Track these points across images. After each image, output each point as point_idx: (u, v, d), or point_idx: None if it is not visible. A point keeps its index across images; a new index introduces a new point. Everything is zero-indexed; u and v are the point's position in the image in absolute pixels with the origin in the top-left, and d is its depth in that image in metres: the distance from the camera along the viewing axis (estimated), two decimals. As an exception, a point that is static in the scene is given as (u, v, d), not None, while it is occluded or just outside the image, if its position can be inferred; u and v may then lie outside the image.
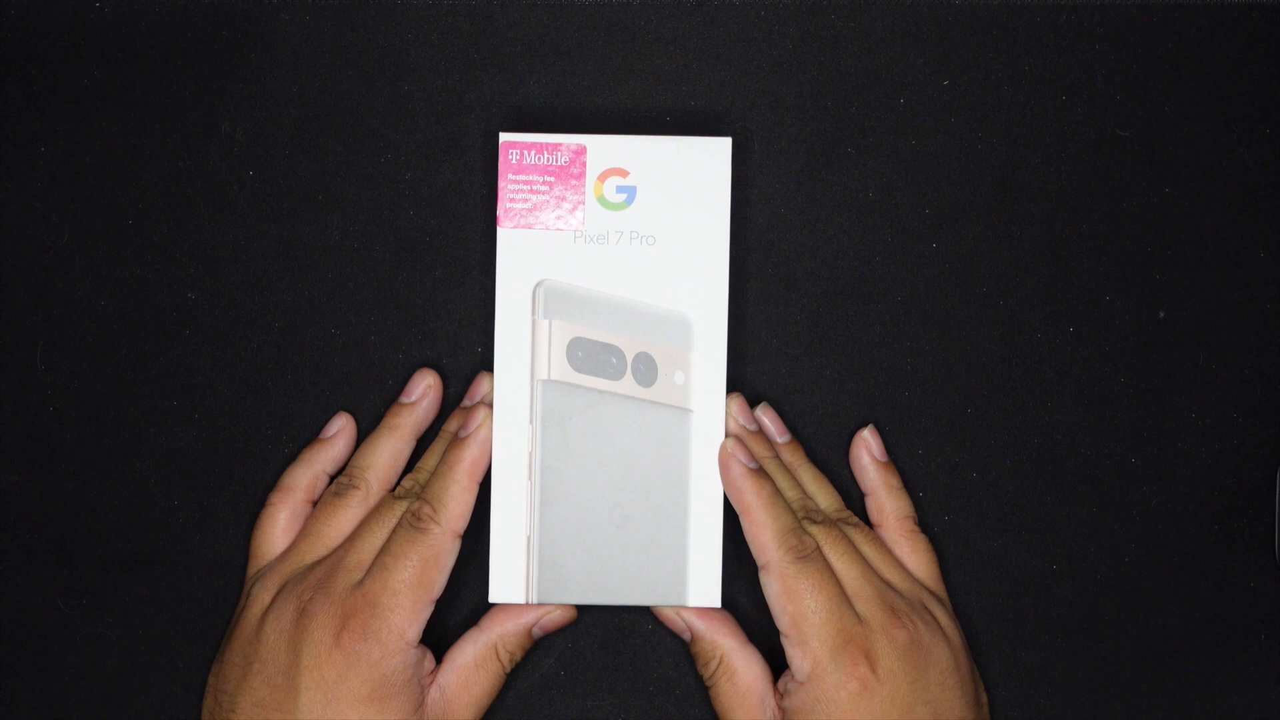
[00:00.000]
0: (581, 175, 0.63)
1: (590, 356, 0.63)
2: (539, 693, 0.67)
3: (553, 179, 0.63)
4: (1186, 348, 0.68)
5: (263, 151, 0.67)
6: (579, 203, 0.63)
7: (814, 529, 0.62)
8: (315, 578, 0.61)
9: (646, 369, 0.63)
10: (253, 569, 0.64)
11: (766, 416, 0.66)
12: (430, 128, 0.67)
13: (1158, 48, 0.68)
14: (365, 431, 0.66)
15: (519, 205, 0.63)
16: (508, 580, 0.63)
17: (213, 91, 0.67)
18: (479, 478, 0.62)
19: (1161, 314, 0.67)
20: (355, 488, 0.64)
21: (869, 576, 0.62)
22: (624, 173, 0.63)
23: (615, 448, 0.63)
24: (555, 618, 0.64)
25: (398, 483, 0.65)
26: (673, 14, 0.67)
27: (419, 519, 0.61)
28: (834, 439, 0.67)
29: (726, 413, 0.64)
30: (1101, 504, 0.67)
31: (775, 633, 0.61)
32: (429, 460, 0.65)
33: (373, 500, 0.64)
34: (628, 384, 0.63)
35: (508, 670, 0.63)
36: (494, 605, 0.64)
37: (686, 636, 0.64)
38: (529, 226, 0.63)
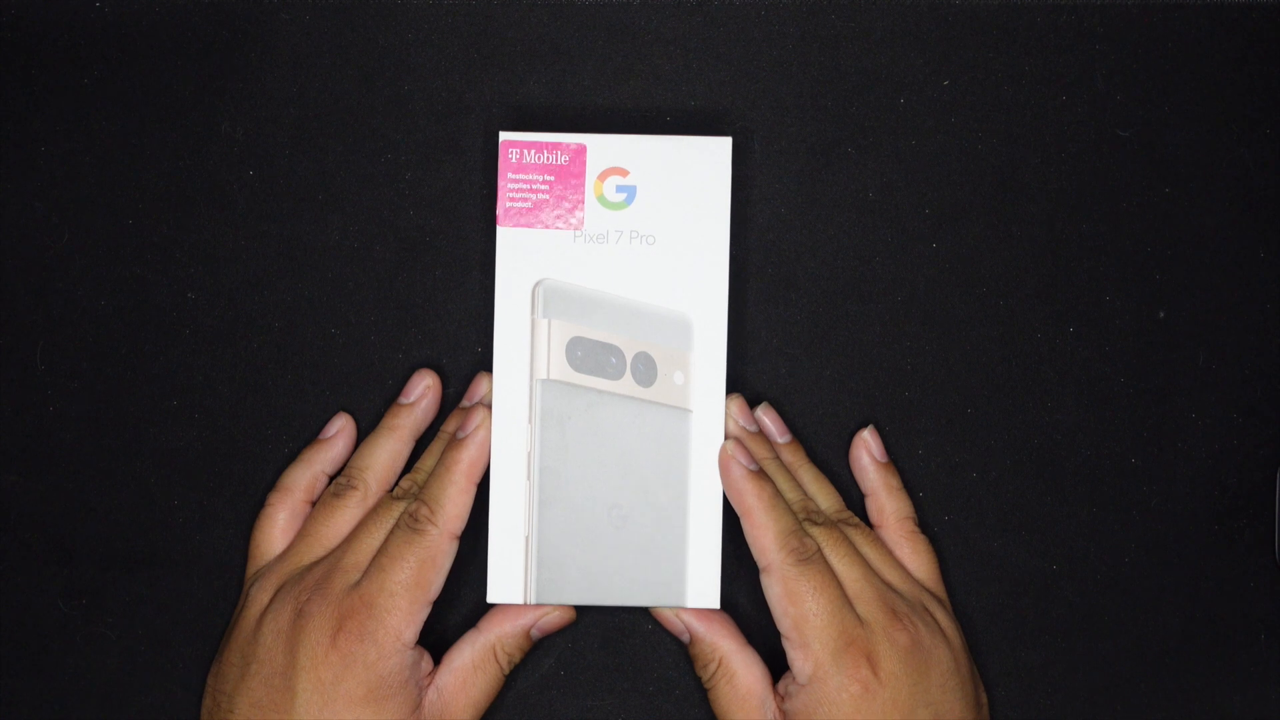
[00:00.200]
0: (581, 175, 0.63)
1: (590, 356, 0.62)
2: (539, 693, 0.66)
3: (553, 178, 0.63)
4: (1186, 348, 0.67)
5: (263, 151, 0.67)
6: (579, 202, 0.63)
7: (815, 531, 0.62)
8: (313, 578, 0.61)
9: (646, 369, 0.63)
10: (251, 569, 0.64)
11: (767, 416, 0.66)
12: (430, 128, 0.67)
13: (1158, 48, 0.67)
14: (365, 432, 0.66)
15: (519, 204, 0.63)
16: (506, 580, 0.62)
17: (213, 91, 0.67)
18: (477, 479, 0.62)
19: (1161, 314, 0.67)
20: (353, 488, 0.64)
21: (870, 578, 0.62)
22: (624, 172, 0.63)
23: (614, 448, 0.62)
24: (554, 619, 0.63)
25: (396, 483, 0.64)
26: (673, 14, 0.67)
27: (416, 520, 0.61)
28: (834, 439, 0.67)
29: (726, 413, 0.64)
30: (1101, 504, 0.67)
31: (774, 634, 0.61)
32: (427, 461, 0.64)
33: (371, 501, 0.64)
34: (627, 384, 0.63)
35: (506, 672, 0.63)
36: (492, 606, 0.63)
37: (685, 638, 0.63)
38: (529, 226, 0.63)
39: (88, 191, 0.67)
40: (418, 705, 0.61)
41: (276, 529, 0.64)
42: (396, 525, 0.61)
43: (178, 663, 0.66)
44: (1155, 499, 0.67)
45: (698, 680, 0.64)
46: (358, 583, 0.60)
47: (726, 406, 0.64)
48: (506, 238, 0.63)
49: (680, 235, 0.63)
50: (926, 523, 0.67)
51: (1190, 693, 0.67)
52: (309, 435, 0.66)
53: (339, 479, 0.64)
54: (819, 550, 0.61)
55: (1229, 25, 0.67)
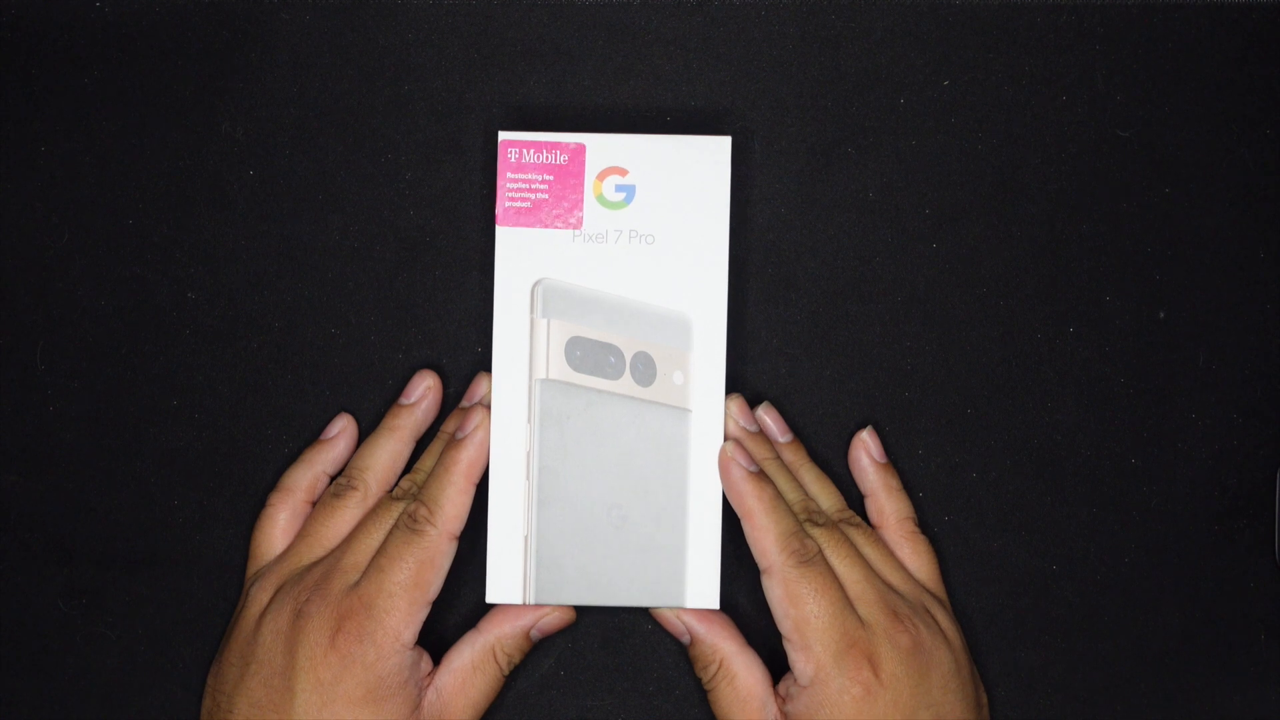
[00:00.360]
0: (581, 174, 0.63)
1: (589, 356, 0.62)
2: (539, 693, 0.66)
3: (552, 178, 0.63)
4: (1186, 348, 0.67)
5: (263, 151, 0.67)
6: (578, 202, 0.63)
7: (816, 532, 0.62)
8: (312, 579, 0.61)
9: (645, 369, 0.62)
10: (252, 569, 0.64)
11: (768, 416, 0.65)
12: (430, 128, 0.67)
13: (1158, 48, 0.67)
14: (366, 432, 0.66)
15: (518, 204, 0.63)
16: (505, 581, 0.62)
17: (213, 91, 0.67)
18: (476, 479, 0.62)
19: (1161, 314, 0.67)
20: (354, 489, 0.63)
21: (871, 579, 0.61)
22: (623, 172, 0.63)
23: (614, 448, 0.62)
24: (553, 620, 0.63)
25: (396, 483, 0.64)
26: (673, 14, 0.67)
27: (415, 521, 0.61)
28: (834, 439, 0.67)
29: (726, 414, 0.64)
30: (1101, 504, 0.67)
31: (774, 634, 0.61)
32: (426, 461, 0.64)
33: (371, 501, 0.63)
34: (626, 384, 0.62)
35: (505, 673, 0.63)
36: (492, 607, 0.63)
37: (685, 639, 0.63)
38: (528, 225, 0.63)
39: (88, 191, 0.67)
40: (417, 706, 0.60)
41: (277, 529, 0.64)
42: (395, 526, 0.61)
43: (178, 663, 0.66)
44: (1155, 499, 0.67)
45: (697, 680, 0.64)
46: (357, 583, 0.60)
47: (726, 406, 0.64)
48: (506, 237, 0.62)
49: (680, 235, 0.62)
50: (926, 523, 0.67)
51: (1190, 693, 0.67)
52: (309, 435, 0.66)
53: (339, 479, 0.64)
54: (820, 552, 0.61)
55: (1229, 25, 0.67)
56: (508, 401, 0.62)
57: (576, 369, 0.62)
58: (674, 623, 0.63)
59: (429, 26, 0.67)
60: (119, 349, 0.66)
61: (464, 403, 0.65)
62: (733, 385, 0.66)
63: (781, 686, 0.61)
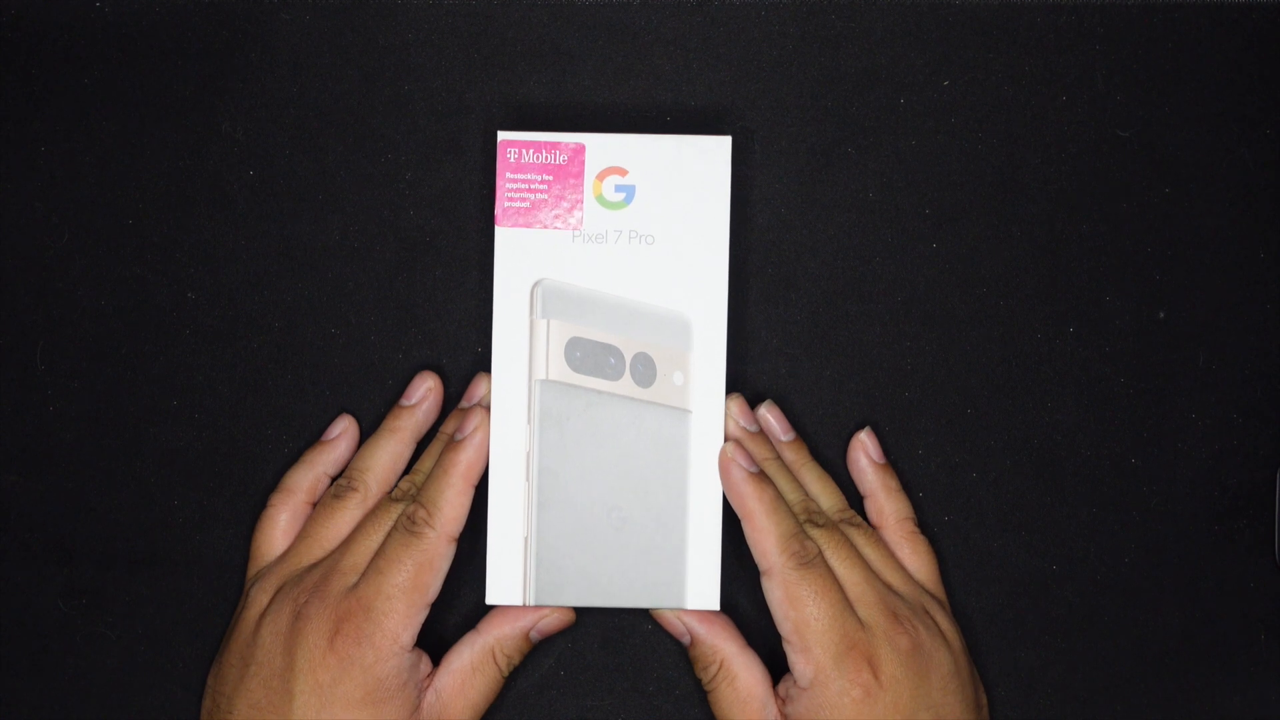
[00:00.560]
0: (580, 174, 0.62)
1: (588, 356, 0.62)
2: (539, 693, 0.66)
3: (551, 178, 0.62)
4: (1186, 348, 0.67)
5: (263, 151, 0.66)
6: (577, 202, 0.62)
7: (816, 533, 0.61)
8: (311, 580, 0.61)
9: (645, 369, 0.62)
10: (252, 570, 0.64)
11: (770, 414, 0.65)
12: (430, 128, 0.66)
13: (1158, 48, 0.67)
14: (367, 433, 0.66)
15: (517, 204, 0.62)
16: (505, 582, 0.62)
17: (213, 91, 0.67)
18: (474, 481, 0.61)
19: (1161, 314, 0.67)
20: (354, 490, 0.63)
21: (871, 581, 0.61)
22: (623, 171, 0.62)
23: (613, 449, 0.62)
24: (553, 621, 0.62)
25: (396, 484, 0.64)
26: (673, 14, 0.67)
27: (414, 523, 0.60)
28: (834, 439, 0.67)
29: (726, 414, 0.63)
30: (1101, 504, 0.67)
31: (774, 635, 0.60)
32: (425, 462, 0.64)
33: (371, 503, 0.63)
34: (626, 384, 0.62)
35: (505, 674, 0.62)
36: (492, 608, 0.63)
37: (685, 640, 0.63)
38: (527, 226, 0.62)
39: (88, 191, 0.66)
40: (416, 707, 0.60)
41: (278, 530, 0.64)
42: (394, 528, 0.61)
43: (178, 663, 0.66)
44: (1155, 499, 0.67)
45: (697, 681, 0.63)
46: (355, 585, 0.60)
47: (727, 406, 0.63)
48: (505, 238, 0.62)
49: (679, 235, 0.62)
50: (926, 523, 0.66)
51: (1190, 693, 0.67)
52: (309, 435, 0.66)
53: (340, 481, 0.64)
54: (820, 553, 0.61)
55: (1229, 25, 0.67)
56: (507, 402, 0.61)
57: (576, 370, 0.61)
58: (674, 624, 0.62)
59: (429, 26, 0.66)
60: (119, 349, 0.66)
61: (463, 403, 0.65)
62: (733, 385, 0.66)
63: (781, 688, 0.61)
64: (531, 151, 0.62)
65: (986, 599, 0.66)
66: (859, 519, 0.64)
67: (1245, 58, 0.67)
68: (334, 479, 0.65)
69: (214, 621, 0.66)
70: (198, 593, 0.66)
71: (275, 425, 0.66)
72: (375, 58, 0.66)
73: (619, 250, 0.62)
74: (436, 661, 0.62)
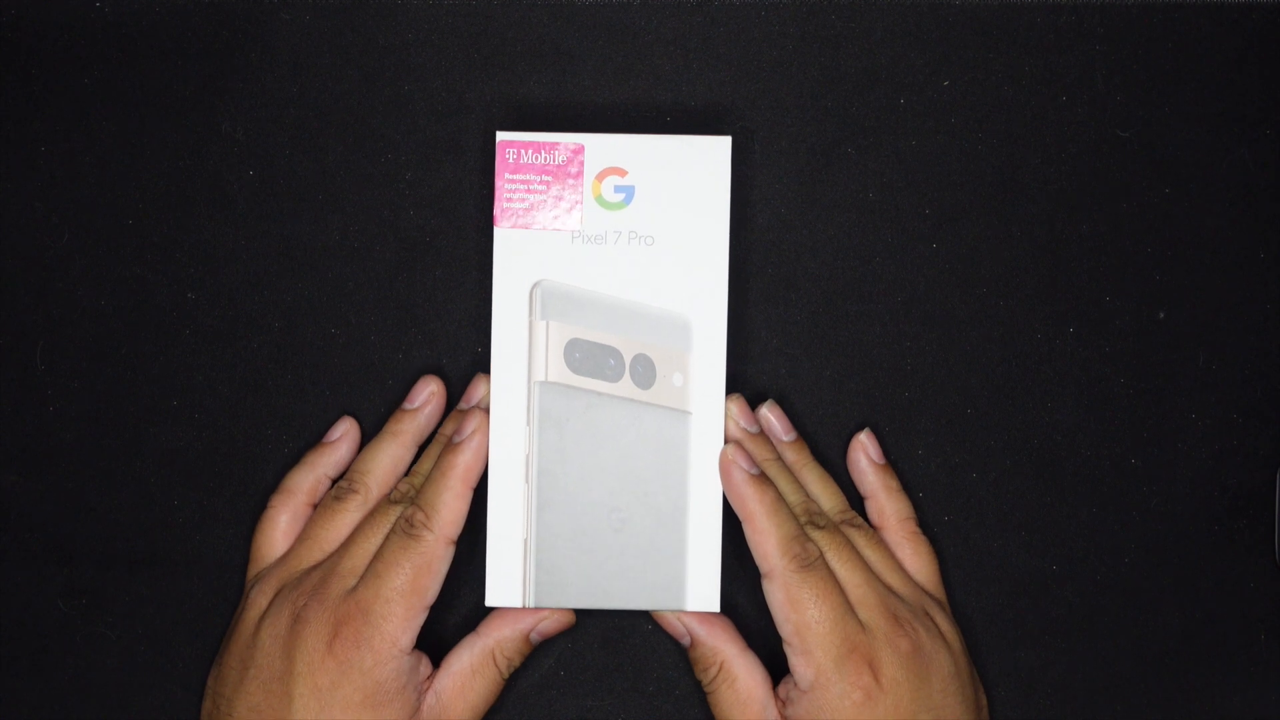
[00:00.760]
0: (579, 174, 0.61)
1: (588, 358, 0.61)
2: (539, 693, 0.66)
3: (550, 178, 0.62)
4: (1186, 348, 0.66)
5: (263, 151, 0.66)
6: (577, 202, 0.61)
7: (817, 534, 0.61)
8: (311, 583, 0.60)
9: (645, 370, 0.61)
10: (252, 571, 0.63)
11: (772, 414, 0.64)
12: (430, 128, 0.66)
13: (1158, 48, 0.67)
14: (368, 434, 0.65)
15: (516, 205, 0.61)
16: (504, 584, 0.61)
17: (213, 91, 0.66)
18: (473, 484, 0.61)
19: (1161, 314, 0.66)
20: (355, 492, 0.63)
21: (872, 583, 0.61)
22: (622, 172, 0.61)
23: (613, 450, 0.61)
24: (552, 623, 0.62)
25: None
26: (673, 14, 0.66)
27: (412, 526, 0.60)
28: (834, 439, 0.66)
29: (727, 414, 0.63)
30: (1101, 504, 0.66)
31: (774, 636, 0.60)
32: (424, 464, 0.63)
33: (372, 505, 0.63)
34: (626, 386, 0.61)
35: (505, 676, 0.62)
36: (492, 610, 0.62)
37: (685, 641, 0.62)
38: (526, 226, 0.61)
39: (88, 191, 0.66)
40: (416, 709, 0.60)
41: (278, 531, 0.63)
42: (392, 530, 0.60)
43: (178, 663, 0.66)
44: (1155, 499, 0.66)
45: (697, 682, 0.63)
46: (354, 589, 0.59)
47: (727, 407, 0.63)
48: (504, 238, 0.61)
49: (679, 235, 0.61)
50: (926, 523, 0.66)
51: (1190, 693, 0.66)
52: (309, 435, 0.65)
53: (340, 483, 0.63)
54: (821, 556, 0.60)
55: (1229, 25, 0.67)
56: (507, 404, 0.61)
57: (576, 371, 0.61)
58: (674, 625, 0.62)
59: (429, 26, 0.66)
60: (119, 349, 0.66)
61: (462, 404, 0.64)
62: (733, 386, 0.65)
63: (781, 689, 0.61)
64: (530, 152, 0.61)
65: (986, 599, 0.66)
66: (860, 520, 0.64)
67: (1245, 58, 0.66)
68: (334, 481, 0.64)
69: (214, 622, 0.65)
70: (198, 593, 0.65)
71: (275, 425, 0.66)
72: (375, 58, 0.66)
73: (618, 251, 0.61)
74: (436, 663, 0.61)
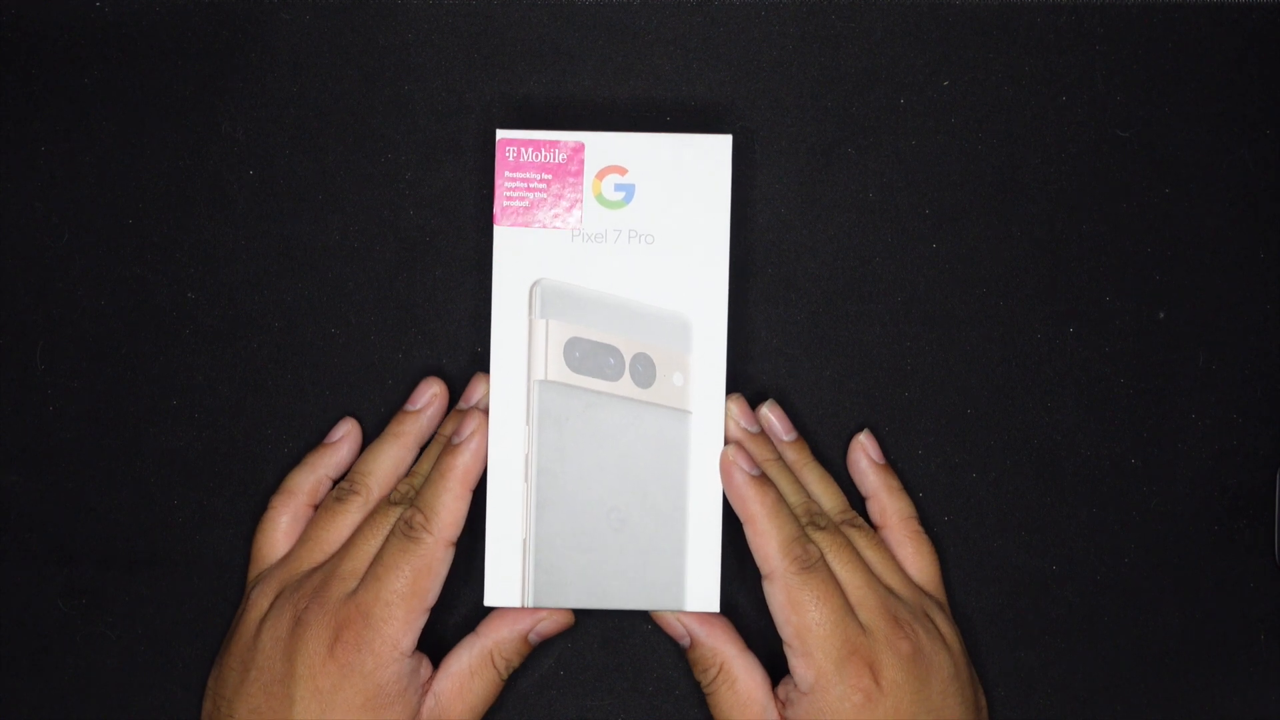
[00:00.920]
0: (579, 173, 0.61)
1: (588, 357, 0.60)
2: (539, 693, 0.65)
3: (550, 177, 0.61)
4: (1186, 348, 0.66)
5: (263, 151, 0.65)
6: (577, 201, 0.61)
7: (817, 536, 0.60)
8: (311, 585, 0.60)
9: (645, 370, 0.61)
10: (253, 572, 0.63)
11: (773, 414, 0.64)
12: (430, 128, 0.65)
13: (1158, 48, 0.66)
14: (369, 434, 0.65)
15: (516, 203, 0.61)
16: (503, 584, 0.61)
17: (213, 91, 0.66)
18: (472, 485, 0.60)
19: (1161, 314, 0.66)
20: (356, 494, 0.62)
21: (873, 585, 0.60)
22: (622, 170, 0.61)
23: (613, 450, 0.61)
24: (551, 624, 0.61)
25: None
26: (673, 14, 0.66)
27: (411, 528, 0.59)
28: (834, 439, 0.66)
29: (727, 414, 0.62)
30: (1101, 504, 0.66)
31: (774, 637, 0.60)
32: (424, 465, 0.63)
33: (372, 507, 0.62)
34: (625, 385, 0.61)
35: (504, 677, 0.61)
36: (491, 611, 0.62)
37: (685, 642, 0.62)
38: (526, 225, 0.61)
39: (88, 191, 0.65)
40: (416, 711, 0.59)
41: (279, 532, 0.62)
42: (392, 533, 0.60)
43: (178, 663, 0.65)
44: (1155, 499, 0.66)
45: (697, 682, 0.62)
46: (354, 591, 0.59)
47: (727, 407, 0.62)
48: (503, 237, 0.61)
49: (679, 234, 0.61)
50: (926, 523, 0.65)
51: (1190, 693, 0.66)
52: (309, 435, 0.65)
53: (342, 484, 0.63)
54: (822, 557, 0.60)
55: (1229, 25, 0.66)
56: (506, 403, 0.60)
57: (575, 370, 0.60)
58: (674, 625, 0.61)
59: (429, 26, 0.65)
60: (119, 349, 0.65)
61: (461, 404, 0.64)
62: (733, 385, 0.65)
63: (781, 690, 0.60)
64: (530, 150, 0.61)
65: (986, 599, 0.66)
66: (860, 520, 0.63)
67: (1245, 58, 0.66)
68: (335, 482, 0.64)
69: (214, 622, 0.65)
70: (198, 593, 0.65)
71: (275, 425, 0.65)
72: (375, 58, 0.65)
73: (618, 250, 0.61)
74: (436, 663, 0.61)
